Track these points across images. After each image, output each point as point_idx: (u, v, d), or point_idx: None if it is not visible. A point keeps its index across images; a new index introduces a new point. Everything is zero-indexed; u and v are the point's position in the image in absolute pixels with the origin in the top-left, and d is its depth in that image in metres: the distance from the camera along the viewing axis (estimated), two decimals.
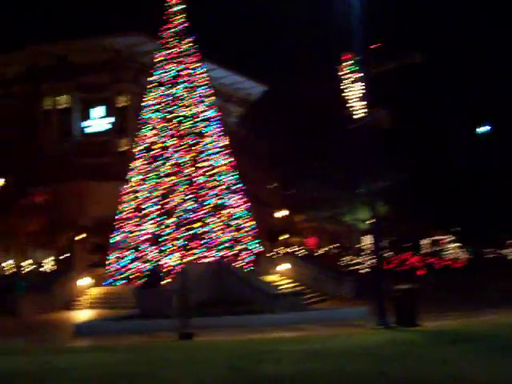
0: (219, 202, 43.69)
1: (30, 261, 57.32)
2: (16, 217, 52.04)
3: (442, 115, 59.07)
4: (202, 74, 47.30)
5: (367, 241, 58.78)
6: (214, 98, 48.22)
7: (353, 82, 29.53)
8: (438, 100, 59.36)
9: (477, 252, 59.94)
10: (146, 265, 41.63)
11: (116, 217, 45.56)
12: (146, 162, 44.57)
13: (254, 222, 46.38)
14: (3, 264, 54.60)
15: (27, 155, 65.43)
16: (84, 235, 62.69)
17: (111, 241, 45.32)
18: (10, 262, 55.52)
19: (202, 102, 45.87)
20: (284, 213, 54.18)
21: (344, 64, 30.52)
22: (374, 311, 24.78)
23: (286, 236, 61.66)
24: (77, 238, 62.49)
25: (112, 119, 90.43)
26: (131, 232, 43.53)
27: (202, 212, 42.76)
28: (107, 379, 14.25)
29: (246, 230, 44.88)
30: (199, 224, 42.33)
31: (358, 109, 28.24)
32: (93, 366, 16.33)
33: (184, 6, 47.42)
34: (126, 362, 17.00)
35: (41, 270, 53.16)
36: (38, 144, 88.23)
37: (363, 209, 50.24)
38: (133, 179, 44.84)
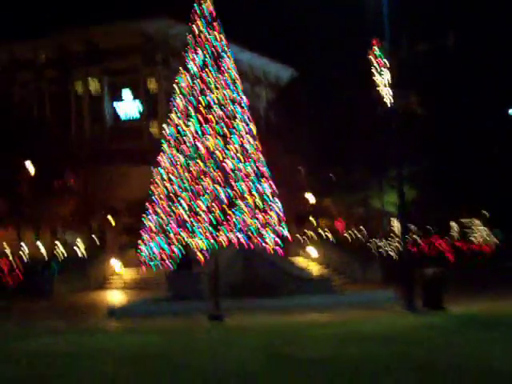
0: (248, 185, 44.10)
1: (63, 242, 58.35)
2: (49, 199, 52.90)
3: (473, 98, 58.58)
4: (230, 58, 47.56)
5: (395, 225, 58.98)
6: (242, 82, 48.54)
7: (382, 67, 29.59)
8: (470, 82, 58.86)
9: (506, 236, 59.60)
10: (177, 247, 42.25)
11: (147, 200, 46.19)
12: (176, 147, 45.04)
13: (282, 206, 46.75)
14: (37, 246, 55.62)
15: (59, 139, 66.29)
16: (116, 217, 63.65)
17: (142, 223, 46.00)
18: (43, 244, 56.54)
19: (231, 86, 46.17)
20: (312, 196, 54.43)
21: (374, 49, 30.62)
22: (401, 294, 25.12)
23: (315, 219, 61.97)
24: (108, 221, 63.46)
25: (142, 103, 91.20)
26: (162, 215, 44.14)
27: (231, 195, 43.22)
28: (138, 360, 14.85)
29: (275, 213, 45.27)
30: (228, 208, 42.81)
31: (388, 93, 28.29)
32: (124, 348, 16.96)
33: None
34: (156, 344, 17.58)
35: (73, 251, 54.07)
36: (70, 128, 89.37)
37: (392, 192, 50.36)
38: (163, 163, 45.38)
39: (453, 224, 63.86)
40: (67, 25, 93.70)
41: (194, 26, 47.22)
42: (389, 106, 27.64)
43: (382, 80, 35.57)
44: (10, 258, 44.56)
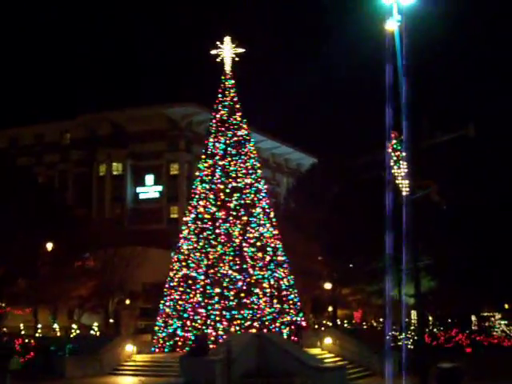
0: (265, 273, 44.12)
1: (79, 324, 58.18)
2: (67, 280, 53.13)
3: (493, 185, 58.69)
4: (252, 146, 48.44)
5: (413, 316, 58.28)
6: (263, 169, 49.31)
7: (399, 160, 29.88)
8: (491, 173, 59.14)
9: None
10: (192, 333, 42.03)
11: (164, 284, 46.30)
12: (195, 231, 45.41)
13: (299, 294, 46.62)
14: (52, 326, 55.53)
15: (80, 219, 67.04)
16: (132, 300, 63.56)
17: (159, 307, 45.96)
18: (58, 324, 56.44)
19: (252, 173, 46.82)
20: (330, 285, 54.21)
21: (392, 141, 30.93)
22: None
23: (332, 308, 61.46)
24: (125, 303, 63.36)
25: (163, 187, 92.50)
26: (178, 300, 44.10)
27: (249, 283, 43.22)
28: None
29: (291, 301, 45.08)
30: (245, 295, 42.76)
31: (406, 185, 28.46)
32: None
33: (234, 82, 48.83)
34: None
35: (88, 333, 53.86)
36: (92, 208, 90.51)
37: (410, 283, 49.97)
38: (182, 247, 45.67)
39: (473, 317, 63.05)
40: (94, 107, 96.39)
41: (217, 114, 48.52)
42: (406, 198, 27.77)
43: (400, 172, 35.73)
44: (24, 337, 44.44)
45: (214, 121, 48.49)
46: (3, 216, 48.24)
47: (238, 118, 48.10)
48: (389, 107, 23.93)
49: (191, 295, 43.64)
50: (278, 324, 43.24)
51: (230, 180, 45.91)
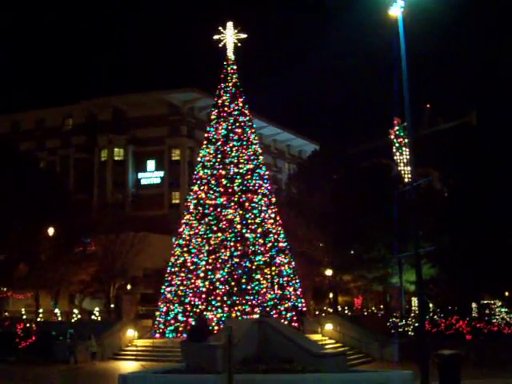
0: (267, 259, 44.14)
1: (80, 309, 58.27)
2: (68, 265, 53.14)
3: (494, 174, 58.47)
4: (253, 132, 48.35)
5: (414, 303, 58.28)
6: (265, 155, 49.20)
7: (402, 146, 29.78)
8: (490, 158, 58.95)
9: None
10: (193, 318, 42.08)
11: (165, 269, 46.35)
12: (196, 217, 45.39)
13: (300, 280, 46.64)
14: (53, 310, 55.60)
15: (82, 205, 66.97)
16: (133, 286, 63.58)
17: (160, 292, 46.03)
18: (59, 309, 56.48)
19: (254, 159, 46.75)
20: (330, 272, 54.20)
21: (394, 128, 30.93)
22: (418, 375, 24.67)
23: (333, 295, 61.49)
24: (126, 288, 63.37)
25: (164, 173, 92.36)
26: (180, 286, 44.15)
27: (250, 268, 43.24)
28: None
29: (293, 287, 45.12)
30: (246, 281, 42.80)
31: (408, 171, 28.32)
32: None
33: (236, 68, 48.74)
34: None
35: (90, 318, 53.95)
36: (93, 194, 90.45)
37: (411, 270, 49.98)
38: (183, 233, 45.67)
39: (473, 304, 63.06)
40: (96, 92, 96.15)
41: (219, 100, 48.41)
42: (408, 183, 27.71)
43: (402, 158, 36.05)
44: (26, 322, 44.53)
45: (215, 107, 48.43)
46: (4, 201, 48.21)
47: (240, 104, 48.02)
48: (395, 93, 23.82)
49: (192, 281, 43.71)
50: (279, 310, 43.31)
51: (232, 166, 45.88)
